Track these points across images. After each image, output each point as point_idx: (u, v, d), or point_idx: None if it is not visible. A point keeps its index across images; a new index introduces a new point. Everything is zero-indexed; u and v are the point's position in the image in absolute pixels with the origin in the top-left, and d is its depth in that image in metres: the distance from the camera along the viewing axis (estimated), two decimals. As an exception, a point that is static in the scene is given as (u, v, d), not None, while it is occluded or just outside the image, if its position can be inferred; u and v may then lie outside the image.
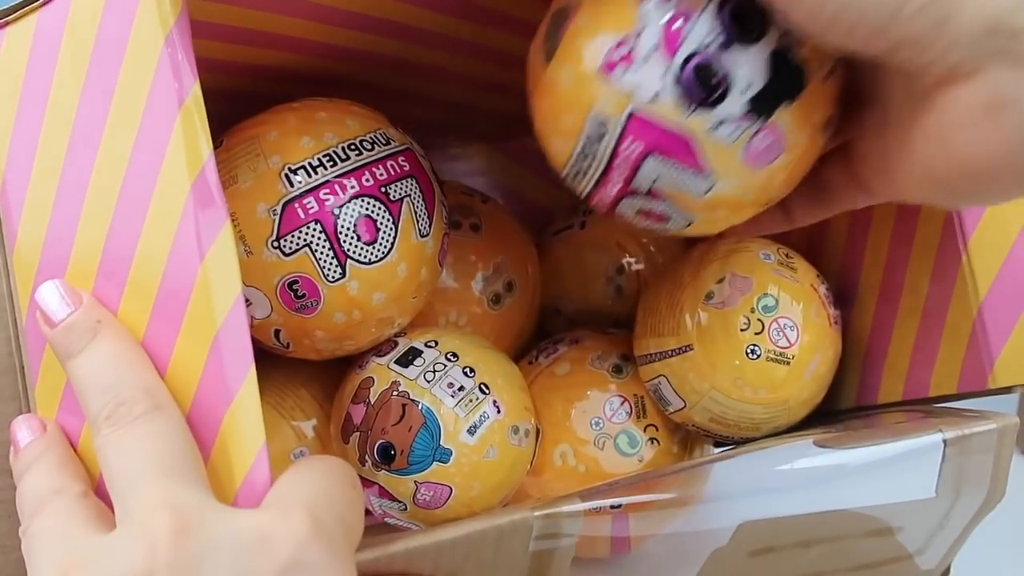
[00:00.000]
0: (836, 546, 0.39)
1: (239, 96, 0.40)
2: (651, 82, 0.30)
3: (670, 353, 0.43)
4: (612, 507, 0.40)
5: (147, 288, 0.30)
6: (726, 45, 0.30)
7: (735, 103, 0.30)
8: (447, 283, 0.46)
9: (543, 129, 0.34)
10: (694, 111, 0.30)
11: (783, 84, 0.30)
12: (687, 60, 0.30)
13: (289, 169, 0.37)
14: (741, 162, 0.31)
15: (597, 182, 0.33)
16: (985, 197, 0.31)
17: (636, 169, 0.31)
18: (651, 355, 0.44)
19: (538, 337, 0.50)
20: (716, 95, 0.30)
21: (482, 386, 0.41)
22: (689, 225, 0.33)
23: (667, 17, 0.30)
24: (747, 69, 0.30)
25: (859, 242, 0.46)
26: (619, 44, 0.30)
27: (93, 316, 0.30)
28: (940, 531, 0.40)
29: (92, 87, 0.30)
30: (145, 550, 0.25)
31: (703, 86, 0.30)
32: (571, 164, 0.33)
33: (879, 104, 0.33)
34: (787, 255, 0.44)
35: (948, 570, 0.44)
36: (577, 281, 0.51)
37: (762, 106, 0.30)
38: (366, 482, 0.40)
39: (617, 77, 0.30)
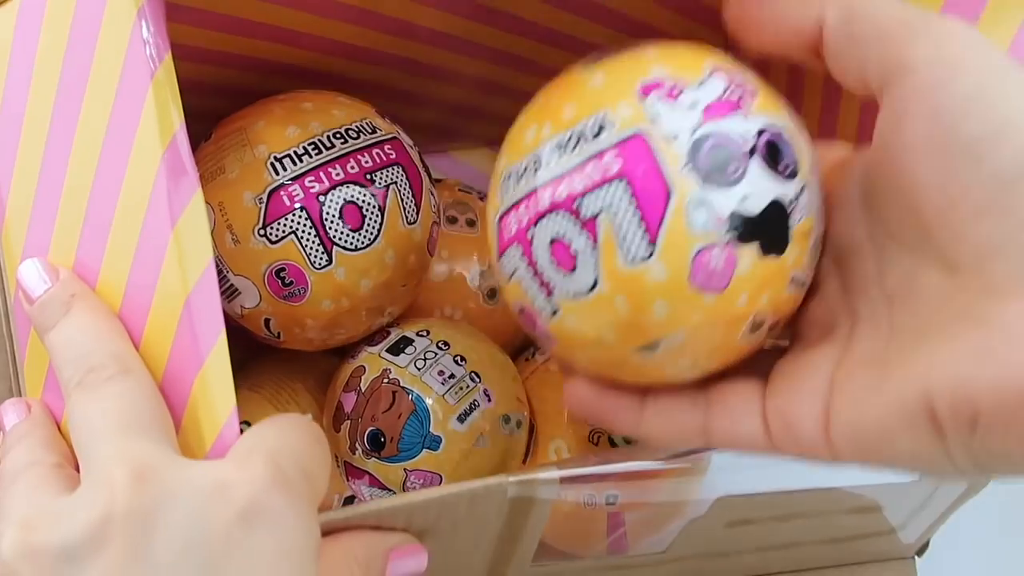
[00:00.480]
0: (815, 520, 0.39)
1: (241, 93, 0.41)
2: (677, 124, 0.29)
3: None
4: (608, 503, 0.40)
5: (122, 259, 0.31)
6: (752, 152, 0.29)
7: (726, 201, 0.28)
8: (442, 277, 0.47)
9: (534, 110, 0.32)
10: (692, 173, 0.28)
11: (766, 230, 0.29)
12: (712, 135, 0.29)
13: (275, 158, 0.38)
14: (687, 260, 0.28)
15: (553, 179, 0.30)
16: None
17: (600, 185, 0.29)
18: None
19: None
20: (718, 177, 0.28)
21: (473, 374, 0.41)
22: (557, 314, 0.30)
23: (725, 91, 0.30)
24: (754, 186, 0.29)
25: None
26: (673, 84, 0.30)
27: (68, 290, 0.31)
28: (921, 511, 0.39)
29: (70, 64, 0.31)
30: (103, 500, 0.25)
31: (713, 161, 0.28)
32: (538, 151, 0.30)
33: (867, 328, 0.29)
34: None
35: (927, 545, 0.43)
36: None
37: (740, 228, 0.28)
38: (357, 471, 0.40)
39: (650, 101, 0.29)
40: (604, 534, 0.42)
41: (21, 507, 0.28)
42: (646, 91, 0.29)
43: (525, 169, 0.31)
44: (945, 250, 0.26)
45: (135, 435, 0.28)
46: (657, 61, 0.30)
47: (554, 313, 0.30)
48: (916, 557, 0.44)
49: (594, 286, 0.29)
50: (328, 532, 0.31)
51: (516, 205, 0.31)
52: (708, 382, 0.31)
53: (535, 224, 0.30)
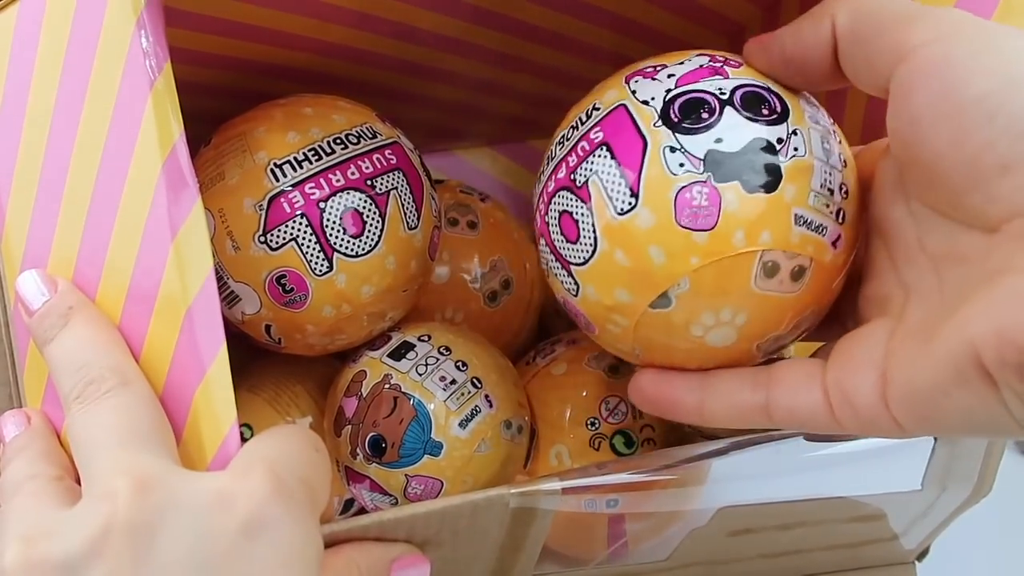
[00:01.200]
0: (817, 529, 0.39)
1: (241, 95, 0.41)
2: (653, 91, 0.31)
3: None
4: (609, 507, 0.40)
5: (123, 270, 0.31)
6: (728, 101, 0.31)
7: (700, 144, 0.30)
8: (443, 280, 0.46)
9: (559, 126, 0.35)
10: (664, 125, 0.31)
11: (748, 167, 0.30)
12: (686, 93, 0.31)
13: (275, 164, 0.38)
14: (669, 201, 0.30)
15: (556, 166, 0.33)
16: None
17: (588, 155, 0.32)
18: None
19: (539, 339, 0.50)
20: (690, 124, 0.30)
21: (475, 380, 0.41)
22: (579, 289, 0.32)
23: (704, 64, 0.32)
24: (730, 129, 0.30)
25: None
26: (655, 67, 0.33)
27: (66, 302, 0.31)
28: (923, 519, 0.39)
29: (69, 73, 0.31)
30: (104, 512, 0.26)
31: (685, 111, 0.31)
32: (551, 149, 0.34)
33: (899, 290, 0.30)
34: None
35: (927, 550, 0.43)
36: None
37: (718, 165, 0.30)
38: (358, 476, 0.40)
39: (632, 82, 0.32)
40: (605, 536, 0.42)
41: (22, 521, 0.28)
42: (630, 77, 0.32)
43: (543, 169, 0.34)
44: (978, 212, 0.26)
45: (135, 447, 0.28)
46: (649, 59, 0.33)
47: (577, 290, 0.32)
48: (916, 562, 0.44)
49: (595, 246, 0.31)
50: (330, 544, 0.31)
51: (539, 201, 0.34)
52: (770, 363, 0.32)
53: (548, 209, 0.33)
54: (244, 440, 0.29)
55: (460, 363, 0.41)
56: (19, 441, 0.32)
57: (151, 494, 0.26)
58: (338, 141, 0.39)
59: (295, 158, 0.38)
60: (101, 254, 0.31)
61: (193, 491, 0.26)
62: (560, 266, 0.33)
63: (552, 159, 0.33)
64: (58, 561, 0.25)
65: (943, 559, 0.46)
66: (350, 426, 0.40)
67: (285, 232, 0.37)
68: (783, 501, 0.36)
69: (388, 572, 0.31)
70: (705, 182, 0.30)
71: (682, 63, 0.32)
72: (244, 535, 0.26)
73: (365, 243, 0.38)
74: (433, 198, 0.42)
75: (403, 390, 0.40)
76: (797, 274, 0.31)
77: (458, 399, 0.40)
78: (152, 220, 0.30)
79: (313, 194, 0.38)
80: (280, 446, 0.28)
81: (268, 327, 0.40)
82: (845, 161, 0.32)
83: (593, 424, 0.44)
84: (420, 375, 0.40)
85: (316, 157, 0.38)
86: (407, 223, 0.40)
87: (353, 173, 0.38)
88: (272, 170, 0.38)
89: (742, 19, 0.48)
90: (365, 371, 0.41)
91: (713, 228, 0.30)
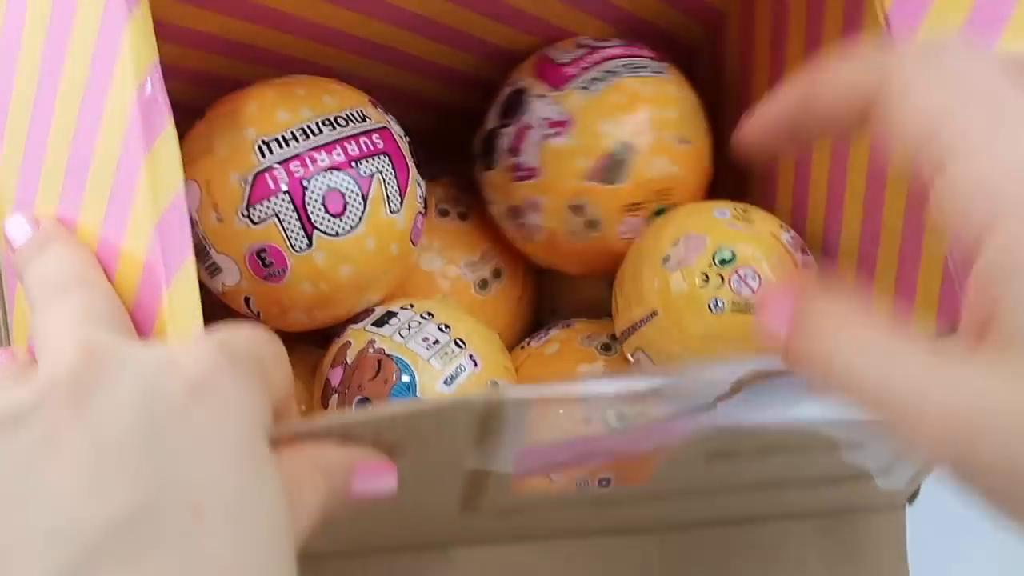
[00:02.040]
0: (796, 458, 0.37)
1: (237, 85, 0.43)
2: None
3: (639, 323, 0.43)
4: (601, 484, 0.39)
5: (101, 194, 0.32)
6: None
7: None
8: (433, 267, 0.47)
9: None
10: None
11: None
12: None
13: (263, 141, 0.40)
14: None
15: None
16: None
17: None
18: (626, 331, 0.44)
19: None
20: None
21: (458, 340, 0.41)
22: None
23: None
24: None
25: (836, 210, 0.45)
26: None
27: (46, 233, 0.33)
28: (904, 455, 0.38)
29: (56, 12, 0.33)
30: (49, 371, 0.26)
31: None
32: None
33: None
34: (743, 210, 0.43)
35: (917, 492, 0.41)
36: (574, 279, 0.52)
37: None
38: (346, 442, 0.40)
39: None
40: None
41: None
42: None
43: None
44: None
45: (92, 327, 0.28)
46: None
47: None
48: (908, 504, 0.43)
49: None
50: (291, 443, 0.31)
51: None
52: None
53: None
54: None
55: (443, 325, 0.41)
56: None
57: (99, 355, 0.26)
58: (327, 122, 0.40)
59: (283, 136, 0.40)
60: (80, 190, 0.33)
61: (141, 355, 0.27)
62: None
63: None
64: (2, 414, 0.25)
65: (942, 558, 0.44)
66: (337, 394, 0.41)
67: (267, 207, 0.39)
68: (760, 423, 0.36)
69: (350, 474, 0.31)
70: None
71: None
72: (189, 395, 0.26)
73: (345, 223, 0.40)
74: (419, 184, 0.43)
75: (387, 352, 0.40)
76: None
77: (442, 358, 0.40)
78: (128, 141, 0.31)
79: (297, 172, 0.39)
80: (236, 331, 0.29)
81: (247, 299, 0.41)
82: None
83: (586, 401, 0.44)
84: (403, 337, 0.41)
85: (304, 136, 0.40)
86: (389, 206, 0.41)
87: (338, 154, 0.40)
88: (260, 147, 0.40)
89: (722, 6, 0.50)
90: (349, 341, 0.42)
91: None
